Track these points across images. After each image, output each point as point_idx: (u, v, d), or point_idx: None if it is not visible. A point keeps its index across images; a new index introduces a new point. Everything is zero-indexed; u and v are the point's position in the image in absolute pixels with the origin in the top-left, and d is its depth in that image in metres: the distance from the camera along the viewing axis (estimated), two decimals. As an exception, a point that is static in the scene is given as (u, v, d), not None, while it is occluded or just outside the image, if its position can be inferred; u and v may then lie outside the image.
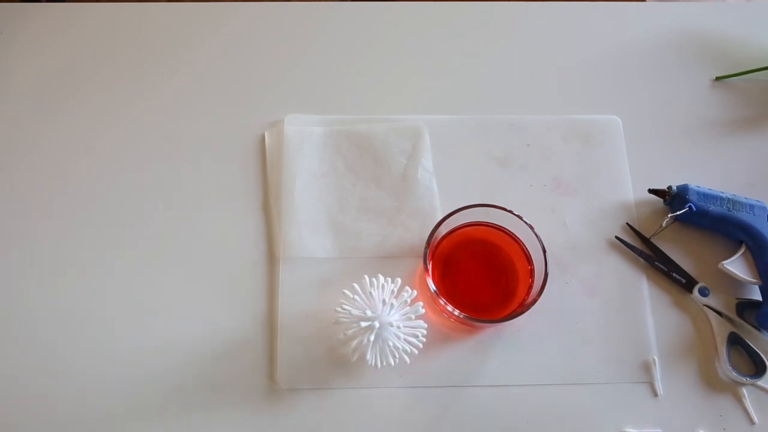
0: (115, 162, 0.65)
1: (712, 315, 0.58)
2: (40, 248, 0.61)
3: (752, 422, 0.56)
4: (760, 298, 0.58)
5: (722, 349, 0.57)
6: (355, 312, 0.52)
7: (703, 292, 0.59)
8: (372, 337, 0.51)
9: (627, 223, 0.62)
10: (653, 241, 0.61)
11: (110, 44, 0.70)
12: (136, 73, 0.68)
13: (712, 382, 0.57)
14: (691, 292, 0.59)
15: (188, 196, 0.63)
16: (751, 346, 0.57)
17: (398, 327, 0.52)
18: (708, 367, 0.57)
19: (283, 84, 0.68)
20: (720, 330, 0.57)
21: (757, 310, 0.58)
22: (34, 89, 0.68)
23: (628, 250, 0.61)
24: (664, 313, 0.59)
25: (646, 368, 0.58)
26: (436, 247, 0.58)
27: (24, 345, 0.58)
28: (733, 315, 0.58)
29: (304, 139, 0.65)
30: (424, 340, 0.53)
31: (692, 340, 0.58)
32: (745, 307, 0.59)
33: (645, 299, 0.60)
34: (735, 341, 0.57)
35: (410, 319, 0.53)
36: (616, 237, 0.62)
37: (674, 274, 0.60)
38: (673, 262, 0.60)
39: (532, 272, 0.58)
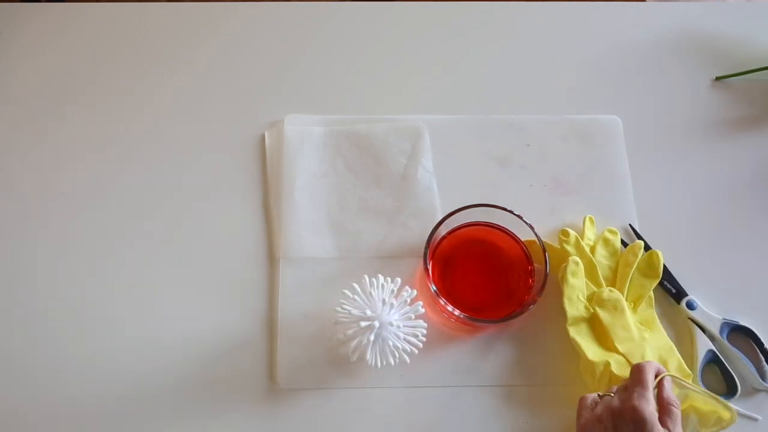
0: (115, 162, 0.65)
1: (695, 329, 0.58)
2: (39, 248, 0.61)
3: (755, 419, 0.56)
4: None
5: (697, 365, 0.56)
6: (355, 312, 0.52)
7: (691, 306, 0.59)
8: (372, 337, 0.51)
9: (630, 225, 0.62)
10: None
11: (110, 44, 0.70)
12: (136, 73, 0.68)
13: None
14: (679, 303, 0.59)
15: (188, 196, 0.63)
16: (726, 366, 0.56)
17: (398, 327, 0.52)
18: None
19: (283, 84, 0.68)
20: (700, 345, 0.57)
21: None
22: (34, 89, 0.68)
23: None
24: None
25: (646, 368, 0.57)
26: (436, 247, 0.58)
27: (25, 345, 0.58)
28: (716, 333, 0.58)
29: (304, 139, 0.65)
30: (424, 339, 0.53)
31: (676, 347, 0.58)
32: (732, 329, 0.58)
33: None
34: (712, 359, 0.57)
35: (410, 318, 0.53)
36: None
37: (665, 282, 0.60)
38: (667, 270, 0.60)
39: (532, 272, 0.58)
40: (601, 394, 0.51)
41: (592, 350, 0.55)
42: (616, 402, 0.48)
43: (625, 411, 0.47)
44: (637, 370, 0.49)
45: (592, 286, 0.57)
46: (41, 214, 0.62)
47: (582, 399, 0.51)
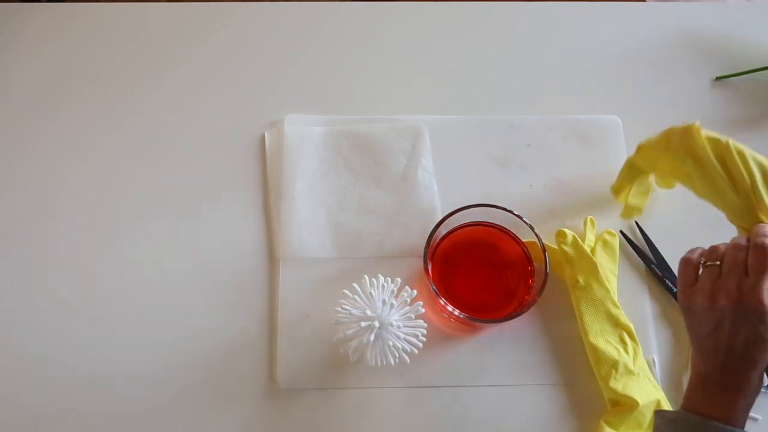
0: (115, 162, 0.65)
1: None
2: (39, 248, 0.61)
3: (755, 419, 0.56)
4: None
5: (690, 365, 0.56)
6: (355, 312, 0.52)
7: None
8: (372, 337, 0.51)
9: (636, 222, 0.62)
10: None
11: (110, 44, 0.70)
12: (136, 73, 0.68)
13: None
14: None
15: (188, 197, 0.63)
16: None
17: (398, 327, 0.52)
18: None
19: (283, 84, 0.68)
20: None
21: None
22: (34, 89, 0.68)
23: (628, 250, 0.61)
24: (657, 316, 0.60)
25: (646, 368, 0.58)
26: (436, 247, 0.58)
27: (25, 345, 0.58)
28: None
29: (304, 139, 0.65)
30: (425, 339, 0.53)
31: (678, 346, 0.58)
32: None
33: (645, 299, 0.60)
34: None
35: (410, 318, 0.53)
36: (621, 232, 0.62)
37: (667, 281, 0.60)
38: (670, 269, 0.60)
39: (532, 272, 0.58)
40: (706, 263, 0.46)
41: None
42: (732, 286, 0.43)
43: (748, 302, 0.42)
44: (763, 253, 0.43)
45: (607, 324, 0.57)
46: (40, 215, 0.62)
47: (685, 264, 0.47)
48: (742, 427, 0.43)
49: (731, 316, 0.43)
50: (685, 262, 0.48)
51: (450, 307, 0.54)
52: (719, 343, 0.44)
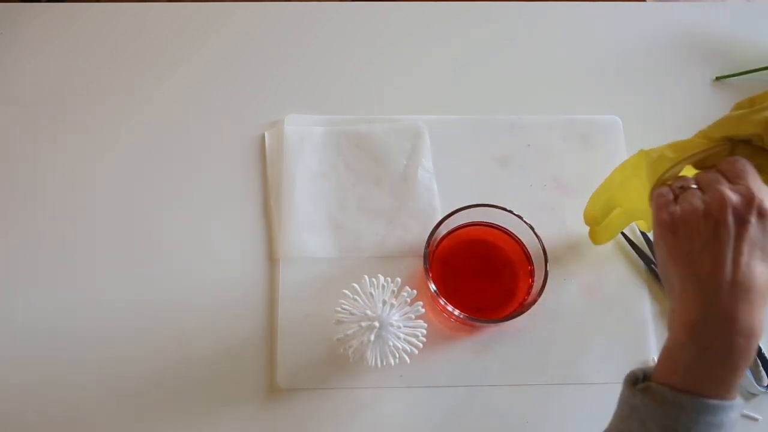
0: (115, 162, 0.65)
1: None
2: (40, 247, 0.61)
3: (755, 419, 0.56)
4: None
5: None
6: (355, 312, 0.52)
7: None
8: (372, 337, 0.51)
9: (634, 222, 0.62)
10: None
11: (111, 44, 0.70)
12: (136, 74, 0.68)
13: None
14: None
15: (188, 197, 0.63)
16: None
17: (398, 327, 0.52)
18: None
19: (283, 84, 0.68)
20: None
21: None
22: (33, 89, 0.68)
23: (628, 250, 0.61)
24: (657, 316, 0.60)
25: (646, 368, 0.58)
26: (436, 247, 0.58)
27: (27, 344, 0.58)
28: None
29: (304, 139, 0.65)
30: (425, 339, 0.53)
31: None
32: None
33: (645, 299, 0.60)
34: None
35: (410, 318, 0.53)
36: (622, 233, 0.62)
37: None
38: None
39: (532, 272, 0.58)
40: (676, 185, 0.41)
41: None
42: (727, 193, 0.37)
43: (750, 200, 0.37)
44: (736, 161, 0.40)
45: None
46: (40, 214, 0.62)
47: (658, 194, 0.42)
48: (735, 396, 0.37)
49: (735, 218, 0.36)
50: (659, 193, 0.42)
51: (450, 307, 0.54)
52: (721, 249, 0.36)
